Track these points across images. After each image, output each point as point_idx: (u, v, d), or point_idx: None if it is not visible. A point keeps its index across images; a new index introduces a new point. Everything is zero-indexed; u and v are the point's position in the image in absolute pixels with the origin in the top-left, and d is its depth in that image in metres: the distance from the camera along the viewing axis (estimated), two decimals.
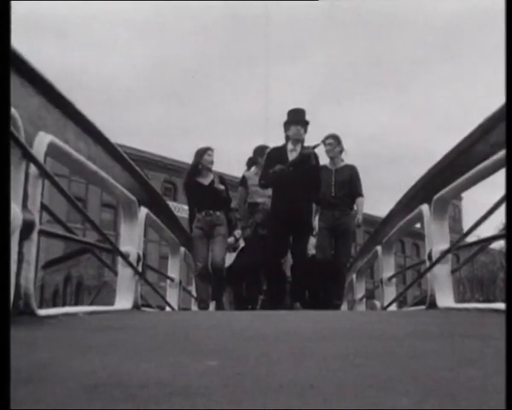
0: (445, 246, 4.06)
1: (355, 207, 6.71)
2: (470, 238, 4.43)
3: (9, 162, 1.99)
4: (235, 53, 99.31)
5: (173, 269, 6.67)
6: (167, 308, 6.42)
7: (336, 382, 1.12)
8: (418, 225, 5.31)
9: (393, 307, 6.02)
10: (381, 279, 6.14)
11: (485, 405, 0.91)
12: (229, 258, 7.14)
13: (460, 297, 35.76)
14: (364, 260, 7.40)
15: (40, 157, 2.65)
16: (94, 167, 3.50)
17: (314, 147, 6.11)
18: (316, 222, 6.64)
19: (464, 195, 49.34)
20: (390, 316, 4.13)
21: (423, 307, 4.28)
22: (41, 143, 2.69)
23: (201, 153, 6.64)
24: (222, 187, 6.53)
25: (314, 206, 6.51)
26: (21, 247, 2.48)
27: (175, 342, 1.94)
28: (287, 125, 6.17)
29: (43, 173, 2.71)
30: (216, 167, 6.82)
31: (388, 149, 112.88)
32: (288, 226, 6.04)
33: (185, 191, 6.87)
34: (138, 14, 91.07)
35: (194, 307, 7.48)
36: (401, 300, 11.94)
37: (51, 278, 34.78)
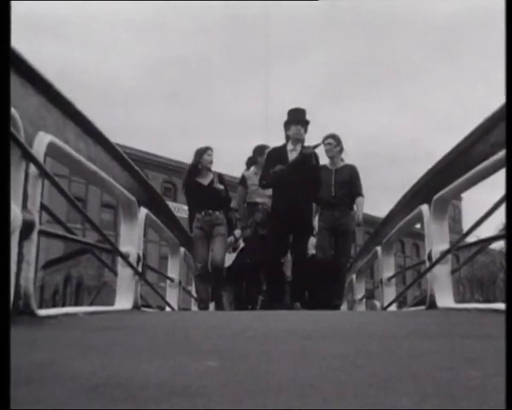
0: (445, 246, 4.05)
1: (355, 208, 6.70)
2: (470, 239, 4.43)
3: (9, 162, 1.99)
4: (235, 53, 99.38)
5: (173, 269, 6.66)
6: (167, 308, 6.42)
7: (336, 382, 1.12)
8: (418, 226, 5.31)
9: (393, 308, 6.02)
10: (381, 279, 6.14)
11: (485, 405, 0.91)
12: (229, 258, 7.14)
13: (460, 297, 35.72)
14: (364, 260, 7.40)
15: (40, 157, 2.65)
16: (94, 168, 3.50)
17: (314, 147, 6.11)
18: (316, 222, 6.64)
19: (464, 195, 49.32)
20: (390, 316, 4.13)
21: (423, 307, 4.28)
22: (41, 143, 2.69)
23: (201, 152, 6.63)
24: (221, 187, 6.52)
25: (314, 206, 6.51)
26: (21, 247, 2.48)
27: (175, 342, 1.94)
28: (287, 124, 6.17)
29: (43, 173, 2.71)
30: (216, 168, 6.82)
31: (388, 149, 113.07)
32: (288, 226, 6.04)
33: (185, 191, 6.87)
34: (138, 14, 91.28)
35: (194, 308, 7.48)
36: (401, 300, 11.94)
37: (51, 279, 34.80)
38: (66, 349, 1.66)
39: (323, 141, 6.51)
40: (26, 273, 2.50)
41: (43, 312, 2.69)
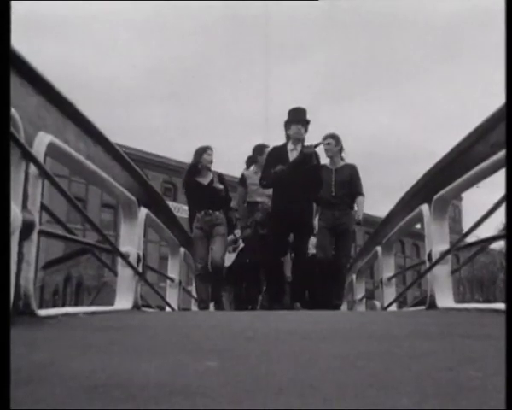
0: (445, 246, 4.05)
1: (355, 207, 6.69)
2: (470, 239, 4.42)
3: (9, 162, 1.99)
4: (235, 53, 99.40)
5: (173, 269, 6.66)
6: (167, 309, 6.42)
7: (336, 382, 1.12)
8: (418, 226, 5.31)
9: (393, 308, 6.02)
10: (381, 280, 6.14)
11: (485, 405, 0.91)
12: (229, 258, 7.14)
13: (460, 298, 35.74)
14: (364, 260, 7.40)
15: (40, 157, 2.65)
16: (94, 167, 3.50)
17: (315, 146, 6.10)
18: (316, 222, 6.63)
19: (464, 195, 49.31)
20: (390, 316, 4.13)
21: (423, 307, 4.28)
22: (41, 143, 2.69)
23: (201, 152, 6.62)
24: (221, 186, 6.51)
25: (314, 206, 6.50)
26: (21, 247, 2.48)
27: (175, 342, 1.94)
28: (287, 124, 6.16)
29: (43, 173, 2.71)
30: (215, 167, 6.82)
31: (388, 149, 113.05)
32: (289, 226, 6.04)
33: (185, 191, 6.86)
34: (138, 14, 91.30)
35: (194, 308, 7.48)
36: (401, 300, 11.93)
37: (51, 279, 34.79)
38: (66, 349, 1.66)
39: (323, 141, 6.50)
40: (26, 273, 2.50)
41: (43, 312, 2.69)
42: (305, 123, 6.17)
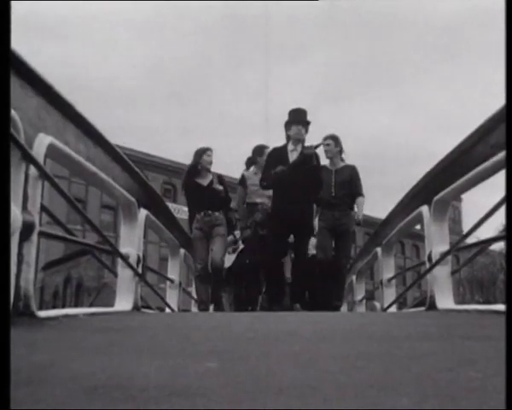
0: (445, 247, 4.05)
1: (355, 208, 6.69)
2: (470, 240, 4.43)
3: (9, 164, 1.99)
4: (235, 53, 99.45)
5: (173, 270, 6.66)
6: (167, 310, 6.42)
7: (336, 383, 1.12)
8: (418, 227, 5.31)
9: (393, 309, 6.02)
10: (381, 281, 6.14)
11: (485, 405, 0.91)
12: (229, 259, 7.14)
13: (460, 299, 35.71)
14: (364, 261, 7.40)
15: (40, 158, 2.65)
16: (94, 169, 3.50)
17: (315, 147, 6.10)
18: (316, 222, 6.63)
19: (464, 196, 49.24)
20: (390, 317, 4.13)
21: (423, 308, 4.28)
22: (41, 144, 2.69)
23: (200, 153, 6.62)
24: (220, 187, 6.51)
25: (314, 206, 6.50)
26: (21, 248, 2.48)
27: (175, 343, 1.94)
28: (288, 124, 6.17)
29: (43, 175, 2.71)
30: (215, 168, 6.82)
31: (388, 149, 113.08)
32: (289, 227, 6.04)
33: (184, 192, 6.86)
34: (138, 14, 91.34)
35: (194, 309, 7.48)
36: (401, 301, 11.92)
37: (51, 280, 34.77)
38: (66, 350, 1.66)
39: (323, 142, 6.50)
40: (26, 275, 2.50)
41: (43, 313, 2.69)
42: (306, 124, 6.17)
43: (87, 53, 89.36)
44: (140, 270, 4.48)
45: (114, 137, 4.10)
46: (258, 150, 6.98)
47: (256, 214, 6.73)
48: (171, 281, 6.61)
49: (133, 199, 4.36)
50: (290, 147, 6.12)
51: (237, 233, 7.08)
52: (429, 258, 4.16)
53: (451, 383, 1.10)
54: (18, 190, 2.47)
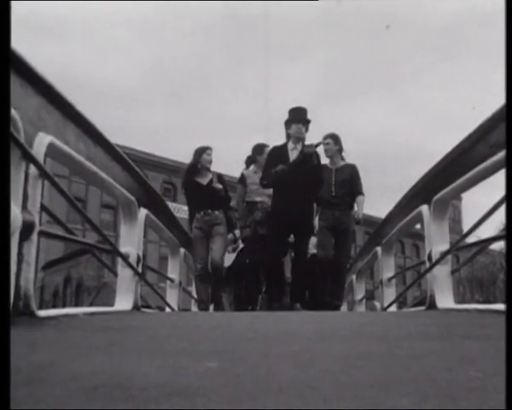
0: (445, 247, 4.06)
1: (355, 207, 6.68)
2: (470, 239, 4.43)
3: (9, 163, 1.99)
4: (235, 53, 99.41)
5: (173, 270, 6.66)
6: (167, 309, 6.42)
7: (336, 382, 1.12)
8: (418, 226, 5.31)
9: (393, 308, 6.02)
10: (381, 280, 6.14)
11: (484, 405, 0.91)
12: (229, 258, 7.13)
13: (460, 298, 35.70)
14: (364, 260, 7.40)
15: (40, 158, 2.65)
16: (94, 168, 3.50)
17: (316, 146, 6.09)
18: (316, 221, 6.62)
19: (464, 196, 49.27)
20: (390, 317, 4.13)
21: (423, 307, 4.28)
22: (41, 143, 2.69)
23: (200, 152, 6.60)
24: (220, 186, 6.49)
25: (315, 205, 6.49)
26: (21, 248, 2.48)
27: (175, 342, 1.94)
28: (288, 123, 6.15)
29: (43, 174, 2.71)
30: (216, 168, 6.81)
31: (388, 149, 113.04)
32: (289, 226, 6.02)
33: (184, 191, 6.84)
34: (138, 14, 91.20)
35: (194, 308, 7.48)
36: (401, 301, 11.92)
37: (51, 279, 34.75)
38: (66, 350, 1.66)
39: (323, 140, 6.49)
40: (26, 274, 2.50)
41: (43, 312, 2.69)
42: (306, 122, 6.16)
43: (87, 53, 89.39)
44: (140, 269, 4.48)
45: (114, 137, 4.10)
46: (258, 149, 6.96)
47: (256, 213, 6.71)
48: (171, 280, 6.61)
49: (133, 198, 4.36)
50: (290, 146, 6.11)
51: (237, 232, 7.06)
52: (429, 257, 4.16)
53: (451, 383, 1.10)
54: (18, 189, 2.47)
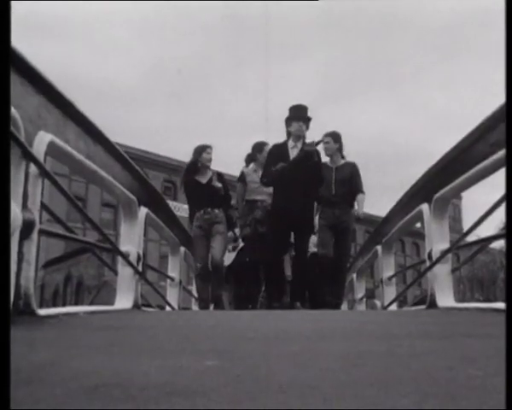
0: (445, 245, 4.06)
1: (355, 206, 6.67)
2: (470, 238, 4.42)
3: (9, 162, 1.99)
4: (235, 53, 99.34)
5: (173, 268, 6.67)
6: (167, 308, 6.42)
7: (336, 382, 1.12)
8: (418, 225, 5.31)
9: (394, 307, 6.02)
10: (382, 279, 6.14)
11: (485, 405, 0.91)
12: (229, 257, 7.13)
13: (460, 297, 35.71)
14: (364, 259, 7.39)
15: (40, 157, 2.65)
16: (94, 167, 3.50)
17: (317, 143, 6.09)
18: (316, 220, 6.61)
19: (464, 194, 49.32)
20: (390, 316, 4.13)
21: (423, 306, 4.28)
22: (41, 142, 2.69)
23: (200, 150, 6.59)
24: (219, 185, 6.48)
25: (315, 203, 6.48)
26: (21, 246, 2.48)
27: (175, 342, 1.94)
28: (288, 121, 6.14)
29: (43, 173, 2.71)
30: (216, 167, 6.80)
31: (388, 148, 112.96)
32: (289, 224, 6.02)
33: (184, 189, 6.83)
34: (138, 14, 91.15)
35: (195, 307, 7.47)
36: (401, 299, 11.93)
37: (51, 278, 34.73)
38: (66, 349, 1.66)
39: (323, 139, 6.48)
40: (26, 273, 2.50)
41: (43, 311, 2.69)
42: (307, 120, 6.15)
43: (87, 53, 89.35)
44: (140, 268, 4.48)
45: (114, 136, 4.10)
46: (258, 147, 6.95)
47: (256, 212, 6.68)
48: (172, 279, 6.61)
49: (133, 197, 4.36)
50: (291, 143, 6.10)
51: (237, 231, 7.06)
52: (429, 256, 4.17)
53: (452, 382, 1.10)
54: (18, 188, 2.47)
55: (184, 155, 7.32)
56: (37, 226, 2.61)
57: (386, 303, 5.99)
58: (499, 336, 1.39)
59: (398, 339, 1.92)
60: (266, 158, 6.29)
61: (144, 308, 4.68)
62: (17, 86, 2.47)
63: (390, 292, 6.08)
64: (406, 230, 5.71)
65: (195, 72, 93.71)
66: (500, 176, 2.72)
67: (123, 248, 4.31)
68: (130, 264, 4.28)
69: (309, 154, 5.93)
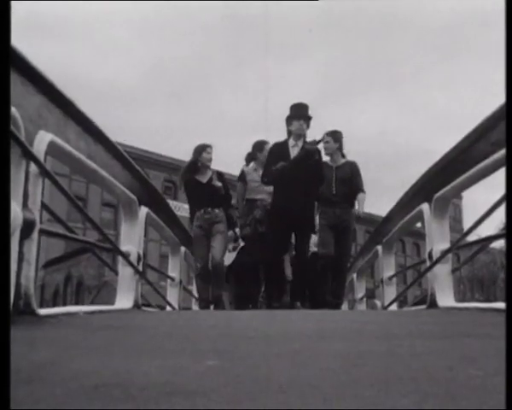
0: (446, 245, 4.06)
1: (356, 205, 6.67)
2: (470, 238, 4.43)
3: (9, 161, 1.99)
4: (235, 53, 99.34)
5: (174, 268, 6.67)
6: (168, 308, 6.42)
7: (336, 382, 1.12)
8: (419, 225, 5.31)
9: (394, 307, 6.02)
10: (382, 279, 6.14)
11: (485, 405, 0.91)
12: (229, 257, 7.13)
13: (460, 297, 35.71)
14: (365, 259, 7.39)
15: (40, 156, 2.65)
16: (94, 166, 3.50)
17: (318, 142, 6.08)
18: (316, 220, 6.60)
19: (464, 194, 49.30)
20: (390, 315, 4.13)
21: (424, 306, 4.28)
22: (41, 141, 2.69)
23: (200, 150, 6.59)
24: (219, 184, 6.47)
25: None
26: (22, 246, 2.48)
27: (175, 341, 1.94)
28: (289, 119, 6.12)
29: (44, 172, 2.71)
30: (216, 167, 6.79)
31: (388, 148, 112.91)
32: (290, 224, 6.00)
33: (184, 189, 6.82)
34: (138, 14, 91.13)
35: (195, 307, 7.47)
36: (402, 299, 11.92)
37: (52, 278, 34.73)
38: (66, 349, 1.66)
39: (323, 138, 6.47)
40: (26, 272, 2.50)
41: (43, 311, 2.69)
42: (307, 119, 6.13)
43: (87, 53, 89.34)
44: (140, 268, 4.48)
45: (115, 136, 4.10)
46: (258, 146, 6.93)
47: (256, 211, 6.66)
48: (172, 279, 6.61)
49: (134, 197, 4.36)
50: (291, 142, 6.08)
51: (238, 230, 7.04)
52: (430, 256, 4.16)
53: (452, 382, 1.10)
54: (18, 187, 2.47)
55: (185, 155, 7.32)
56: (38, 226, 2.61)
57: (386, 303, 5.99)
58: (499, 336, 1.39)
59: (398, 339, 1.92)
60: (267, 157, 6.27)
61: (144, 308, 4.69)
62: (17, 86, 2.47)
63: (390, 292, 6.08)
64: (406, 229, 5.71)
65: (195, 72, 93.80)
66: (500, 176, 2.72)
67: (123, 247, 4.31)
68: (131, 264, 4.28)
69: (310, 152, 5.91)
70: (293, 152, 6.02)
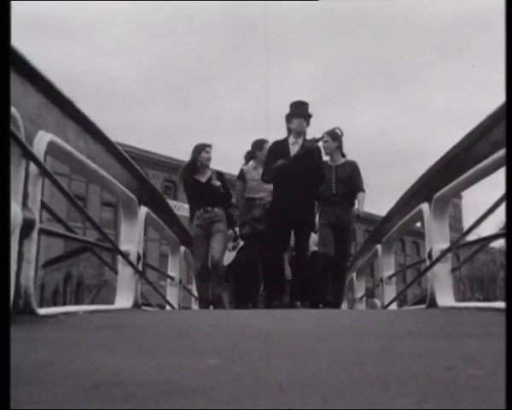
0: (446, 245, 4.06)
1: (356, 204, 6.66)
2: (470, 237, 4.43)
3: (9, 161, 1.99)
4: (235, 53, 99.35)
5: (173, 268, 6.67)
6: (167, 307, 6.42)
7: (336, 381, 1.12)
8: (418, 224, 5.31)
9: (394, 306, 6.02)
10: (382, 278, 6.15)
11: (485, 405, 0.91)
12: (229, 257, 7.12)
13: (460, 296, 35.71)
14: (365, 258, 7.39)
15: (40, 156, 2.65)
16: (94, 166, 3.50)
17: (317, 140, 6.07)
18: (316, 219, 6.60)
19: (464, 194, 49.33)
20: (390, 315, 4.13)
21: (423, 305, 4.28)
22: (41, 141, 2.69)
23: (199, 149, 6.59)
24: (218, 183, 6.47)
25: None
26: (21, 246, 2.48)
27: (175, 341, 1.94)
28: (289, 117, 6.11)
29: (43, 172, 2.71)
30: (216, 166, 6.80)
31: (388, 148, 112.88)
32: (290, 222, 5.99)
33: (184, 189, 6.82)
34: (138, 14, 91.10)
35: (195, 306, 7.47)
36: (401, 299, 11.93)
37: (51, 277, 34.73)
38: (66, 348, 1.66)
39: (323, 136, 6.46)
40: (26, 272, 2.50)
41: (43, 311, 2.69)
42: (307, 116, 6.12)
43: (87, 53, 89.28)
44: (140, 267, 4.48)
45: (115, 136, 4.10)
46: (258, 145, 6.92)
47: (255, 210, 6.65)
48: (172, 278, 6.61)
49: (133, 196, 4.36)
50: (291, 140, 6.07)
51: (238, 229, 7.04)
52: (429, 255, 4.16)
53: (452, 382, 1.10)
54: (18, 187, 2.47)
55: (184, 155, 7.32)
56: (38, 225, 2.61)
57: (386, 302, 5.99)
58: (499, 335, 1.39)
59: (398, 338, 1.92)
60: (267, 155, 6.26)
61: (144, 308, 4.68)
62: (17, 86, 2.47)
63: (390, 291, 6.09)
64: (406, 229, 5.71)
65: (195, 72, 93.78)
66: (500, 175, 2.72)
67: (123, 247, 4.31)
68: (131, 263, 4.28)
69: (309, 150, 5.90)
70: (293, 150, 6.01)
